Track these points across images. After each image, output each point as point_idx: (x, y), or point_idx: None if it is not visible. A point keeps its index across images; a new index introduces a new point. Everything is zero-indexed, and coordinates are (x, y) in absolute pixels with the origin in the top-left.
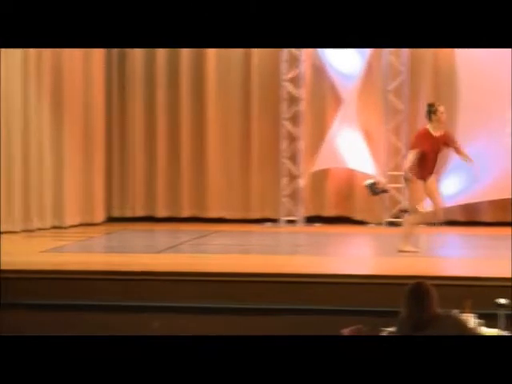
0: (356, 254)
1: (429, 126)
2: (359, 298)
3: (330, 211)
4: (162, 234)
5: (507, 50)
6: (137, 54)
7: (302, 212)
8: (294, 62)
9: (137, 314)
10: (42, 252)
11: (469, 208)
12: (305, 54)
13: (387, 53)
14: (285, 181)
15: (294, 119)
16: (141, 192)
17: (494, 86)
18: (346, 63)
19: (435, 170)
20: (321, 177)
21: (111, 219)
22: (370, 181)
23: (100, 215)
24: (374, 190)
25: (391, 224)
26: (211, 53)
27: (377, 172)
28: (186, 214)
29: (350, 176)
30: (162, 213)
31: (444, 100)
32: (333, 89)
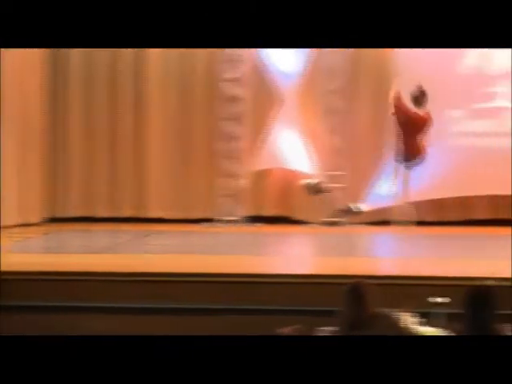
0: (295, 254)
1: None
2: (298, 297)
3: (269, 211)
4: (101, 234)
5: (447, 50)
6: (78, 53)
7: (241, 212)
8: (234, 61)
9: (75, 314)
10: None
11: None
12: (245, 53)
13: (327, 53)
14: (225, 181)
15: (235, 119)
16: (81, 192)
17: (434, 85)
18: (286, 63)
19: None
20: (261, 177)
21: (51, 219)
22: (309, 180)
23: (38, 215)
24: (314, 189)
25: (331, 224)
26: (152, 52)
27: (317, 172)
28: (126, 213)
29: (290, 176)
30: (101, 213)
31: (384, 100)
32: (273, 88)
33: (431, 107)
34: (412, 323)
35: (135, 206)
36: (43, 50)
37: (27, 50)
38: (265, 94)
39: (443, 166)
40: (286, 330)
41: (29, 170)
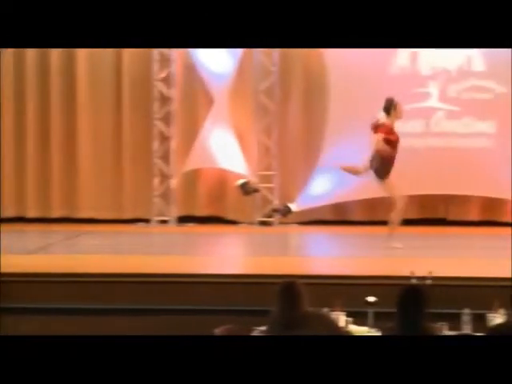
0: (228, 254)
1: (387, 121)
2: (231, 297)
3: (202, 211)
4: (32, 234)
5: (376, 50)
6: (7, 53)
7: (174, 212)
8: (165, 61)
9: (7, 316)
10: None
11: (339, 207)
12: (176, 53)
13: (258, 53)
14: (157, 181)
15: (166, 119)
16: (10, 192)
17: (364, 86)
18: (217, 63)
19: None
20: (193, 177)
21: None
22: (241, 180)
23: None
24: (246, 189)
25: (263, 223)
26: (82, 52)
27: (248, 172)
28: (56, 214)
29: (222, 176)
30: (32, 213)
31: (314, 101)
32: (204, 88)
33: (362, 108)
34: (344, 322)
35: (66, 207)
36: None
37: None
38: (196, 94)
39: None
40: (220, 330)
41: None
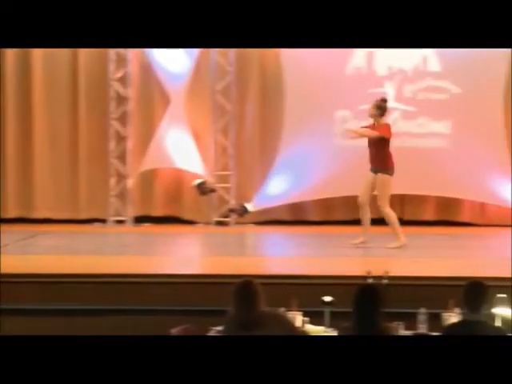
0: (185, 254)
1: (379, 121)
2: (187, 297)
3: (158, 211)
4: None
5: (333, 51)
6: None
7: (130, 212)
8: (121, 61)
9: None
10: None
11: (295, 207)
12: (132, 53)
13: (215, 53)
14: (113, 181)
15: (123, 119)
16: None
17: (321, 86)
18: (173, 63)
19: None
20: (149, 177)
21: None
22: (198, 180)
23: None
24: (203, 189)
25: (219, 223)
26: (37, 52)
27: (205, 172)
28: (11, 214)
29: (179, 176)
30: None
31: (271, 100)
32: (161, 88)
33: (318, 108)
34: (301, 322)
35: (21, 207)
36: None
37: None
38: (152, 94)
39: (330, 166)
40: (176, 330)
41: None
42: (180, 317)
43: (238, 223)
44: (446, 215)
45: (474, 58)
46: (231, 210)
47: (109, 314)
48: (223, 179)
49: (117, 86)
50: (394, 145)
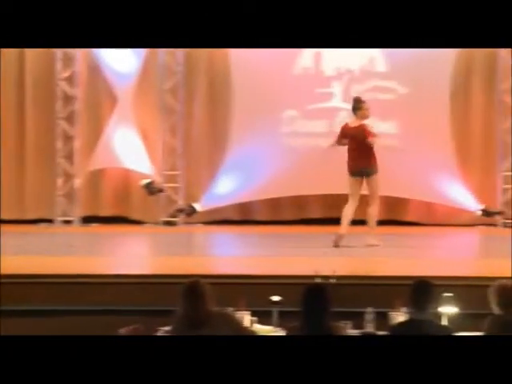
0: (133, 254)
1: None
2: (136, 297)
3: (106, 211)
4: None
5: (280, 51)
6: None
7: (78, 212)
8: (68, 60)
9: None
10: None
11: (243, 207)
12: (80, 52)
13: (163, 52)
14: (60, 180)
15: (70, 118)
16: None
17: (269, 86)
18: (121, 62)
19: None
20: (97, 176)
21: None
22: (146, 180)
23: None
24: (151, 189)
25: (167, 223)
26: None
27: (153, 171)
28: None
29: (127, 175)
30: None
31: (219, 100)
32: (108, 88)
33: (266, 107)
34: (249, 321)
35: None
36: None
37: None
38: (100, 94)
39: (277, 166)
40: (125, 330)
41: None
42: (128, 317)
43: (186, 223)
44: (394, 215)
45: (420, 58)
46: (179, 210)
47: (57, 315)
48: (171, 179)
49: (64, 86)
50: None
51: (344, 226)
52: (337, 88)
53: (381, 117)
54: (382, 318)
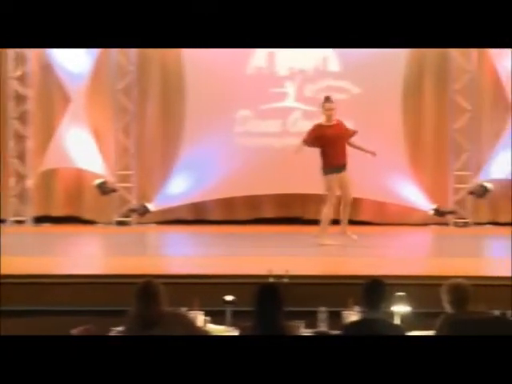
0: (86, 254)
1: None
2: (88, 297)
3: (58, 211)
4: None
5: (234, 50)
6: None
7: (30, 212)
8: (20, 60)
9: None
10: None
11: (196, 207)
12: (32, 52)
13: (115, 52)
14: (12, 180)
15: (22, 118)
16: None
17: (222, 86)
18: (74, 62)
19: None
20: (49, 176)
21: None
22: (99, 180)
23: None
24: (104, 189)
25: (120, 223)
26: None
27: (106, 171)
28: None
29: (79, 175)
30: None
31: (172, 100)
32: (61, 88)
33: (219, 107)
34: (202, 321)
35: None
36: None
37: None
38: (52, 93)
39: (230, 166)
40: (77, 331)
41: None
42: (81, 317)
43: (139, 223)
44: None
45: (373, 58)
46: (132, 210)
47: (8, 316)
48: (124, 179)
49: (16, 85)
50: (296, 144)
51: (326, 227)
52: (290, 88)
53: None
54: (335, 318)
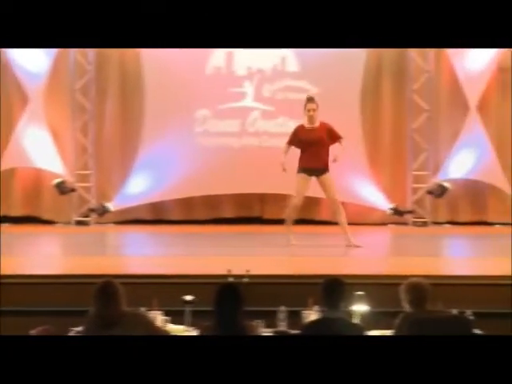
0: (45, 254)
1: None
2: (47, 298)
3: (17, 211)
4: None
5: (192, 50)
6: None
7: None
8: None
9: None
10: None
11: (155, 206)
12: None
13: (74, 51)
14: None
15: None
16: None
17: (181, 85)
18: (32, 62)
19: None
20: (8, 176)
21: None
22: (57, 180)
23: None
24: (62, 189)
25: (79, 223)
26: None
27: (65, 171)
28: None
29: (38, 175)
30: None
31: (131, 99)
32: (19, 87)
33: (178, 107)
34: (161, 321)
35: None
36: None
37: None
38: (10, 93)
39: (190, 165)
40: (36, 331)
41: None
42: (40, 317)
43: (98, 223)
44: (306, 214)
45: (332, 58)
46: (91, 210)
47: None
48: (83, 178)
49: None
50: (254, 144)
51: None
52: (248, 88)
53: (293, 116)
54: (295, 317)
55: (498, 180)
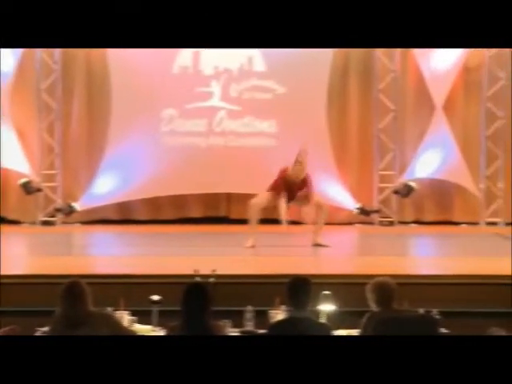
0: (10, 254)
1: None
2: (13, 298)
3: None
4: None
5: (159, 50)
6: None
7: None
8: None
9: None
10: None
11: (122, 206)
12: None
13: (40, 51)
14: None
15: None
16: None
17: (148, 85)
18: None
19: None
20: None
21: None
22: (23, 180)
23: None
24: (28, 188)
25: (45, 223)
26: None
27: (31, 171)
28: None
29: (3, 175)
30: None
31: (97, 99)
32: None
33: (145, 107)
34: (128, 321)
35: None
36: None
37: None
38: None
39: (156, 165)
40: (2, 331)
41: None
42: (5, 318)
43: (64, 223)
44: (272, 214)
45: (298, 58)
46: (57, 210)
47: None
48: (49, 178)
49: None
50: (221, 144)
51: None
52: (215, 87)
53: (259, 116)
54: (261, 317)
55: (464, 179)
